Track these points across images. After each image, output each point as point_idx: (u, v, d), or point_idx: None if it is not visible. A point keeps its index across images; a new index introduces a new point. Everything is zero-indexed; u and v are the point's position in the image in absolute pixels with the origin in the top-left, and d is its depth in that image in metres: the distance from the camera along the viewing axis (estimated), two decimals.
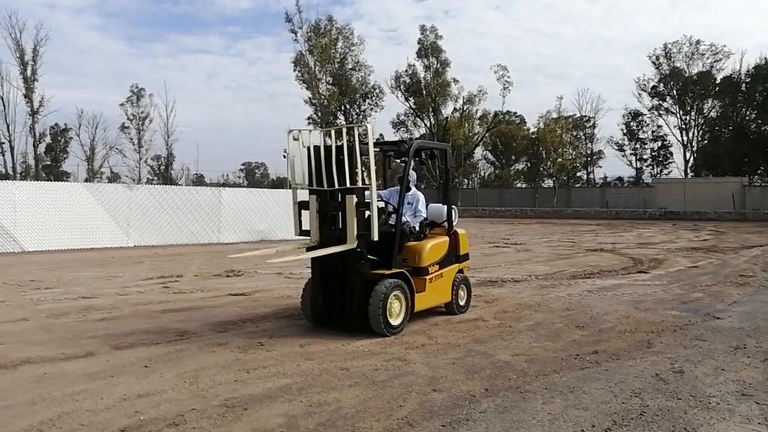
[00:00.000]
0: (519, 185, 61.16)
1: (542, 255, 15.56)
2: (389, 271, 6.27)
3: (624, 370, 4.95)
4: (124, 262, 13.24)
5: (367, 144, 6.20)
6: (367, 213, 6.13)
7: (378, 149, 7.67)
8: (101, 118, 61.95)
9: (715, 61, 53.46)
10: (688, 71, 54.31)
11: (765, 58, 50.73)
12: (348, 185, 6.05)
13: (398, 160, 7.18)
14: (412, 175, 7.35)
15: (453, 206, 7.61)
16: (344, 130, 6.37)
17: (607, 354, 5.46)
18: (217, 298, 8.55)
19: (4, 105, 46.86)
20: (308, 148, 6.40)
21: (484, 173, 68.74)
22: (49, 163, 67.68)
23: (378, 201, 7.20)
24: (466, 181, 62.85)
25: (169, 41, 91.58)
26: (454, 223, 7.53)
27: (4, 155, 48.72)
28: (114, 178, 62.44)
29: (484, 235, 23.49)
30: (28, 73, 47.33)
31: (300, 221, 6.71)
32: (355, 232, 6.03)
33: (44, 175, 59.02)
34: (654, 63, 55.94)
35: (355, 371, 4.87)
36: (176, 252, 15.95)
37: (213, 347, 5.65)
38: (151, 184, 49.19)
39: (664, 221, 35.67)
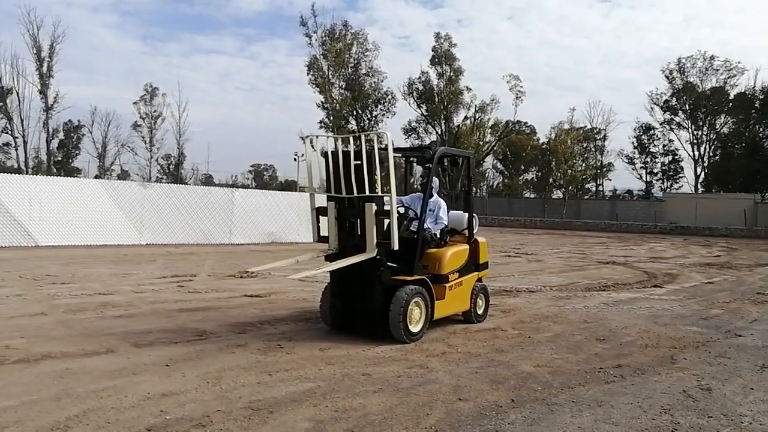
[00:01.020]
0: (527, 195, 60.98)
1: (554, 266, 15.47)
2: (410, 278, 6.23)
3: (650, 385, 4.88)
4: (137, 260, 13.25)
5: (386, 150, 6.18)
6: (387, 221, 6.09)
7: (401, 155, 7.66)
8: (114, 115, 62.59)
9: (729, 77, 53.33)
10: (701, 86, 54.13)
11: None
12: (367, 193, 6.01)
13: (421, 167, 7.14)
14: (435, 182, 7.32)
15: (474, 214, 7.57)
16: (363, 137, 6.30)
17: (631, 368, 5.39)
18: (232, 299, 8.53)
19: (19, 100, 47.22)
20: (326, 154, 6.34)
21: (493, 182, 68.61)
22: (60, 158, 68.14)
23: (399, 207, 7.17)
24: (475, 189, 62.70)
25: (183, 41, 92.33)
26: (474, 231, 7.49)
27: (17, 150, 49.02)
28: (124, 175, 62.78)
29: (495, 244, 23.38)
30: (44, 69, 47.68)
31: (318, 227, 6.66)
32: (375, 241, 5.98)
33: (55, 170, 59.35)
34: (667, 77, 55.86)
35: (378, 377, 4.82)
36: (188, 251, 15.96)
37: (232, 348, 5.62)
38: (160, 182, 49.32)
39: (675, 236, 35.46)
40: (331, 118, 49.53)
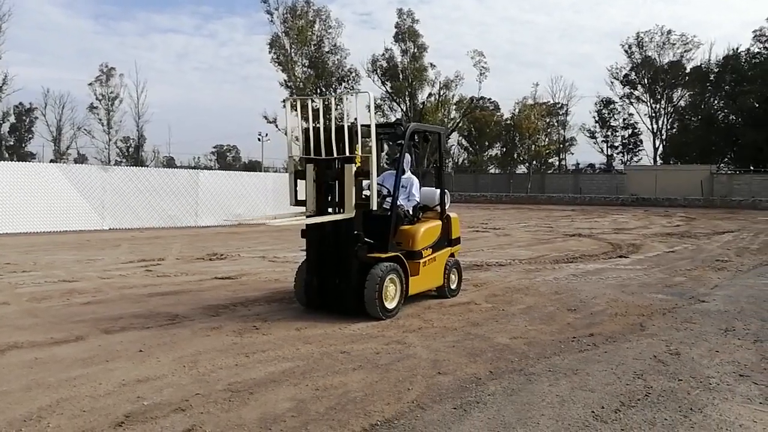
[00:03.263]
0: (493, 171, 61.57)
1: (522, 240, 15.70)
2: (385, 255, 6.22)
3: (622, 352, 5.01)
4: (101, 245, 12.91)
5: (366, 126, 6.13)
6: (366, 182, 6.07)
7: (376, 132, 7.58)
8: (68, 97, 60.46)
9: (685, 51, 54.53)
10: (659, 60, 55.21)
11: (733, 49, 52.00)
12: (347, 154, 5.96)
13: (394, 143, 7.09)
14: (407, 159, 7.30)
15: (445, 190, 7.58)
16: (344, 98, 6.29)
17: (603, 337, 5.52)
18: (203, 282, 8.40)
19: None
20: (308, 117, 6.29)
21: (459, 159, 69.02)
22: (12, 143, 65.65)
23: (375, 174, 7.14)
24: None
25: (138, 20, 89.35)
26: (446, 207, 7.51)
27: None
28: (81, 159, 60.97)
29: (463, 219, 23.37)
30: None
31: (296, 191, 6.58)
32: (353, 202, 5.96)
33: (8, 155, 57.20)
34: (626, 51, 56.78)
35: (357, 354, 4.82)
36: (154, 235, 15.64)
37: (207, 331, 5.54)
38: (120, 165, 48.01)
39: (636, 207, 36.41)
40: (295, 96, 48.83)
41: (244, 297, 7.29)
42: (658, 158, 56.19)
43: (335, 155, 6.08)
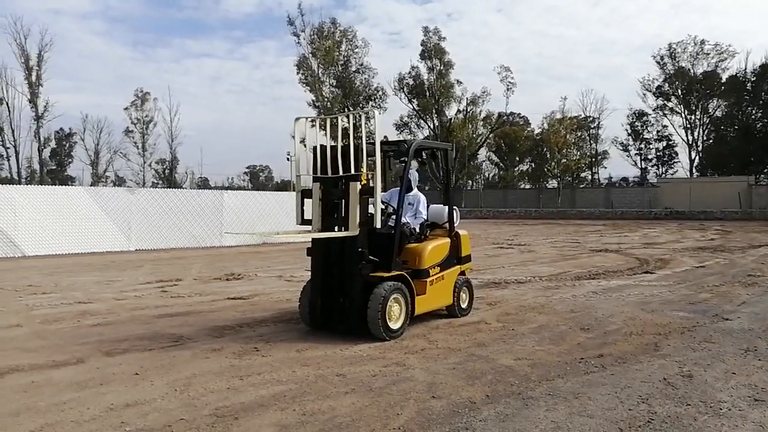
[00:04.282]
0: (523, 186, 60.89)
1: (546, 256, 15.37)
2: (388, 274, 6.12)
3: (630, 374, 4.77)
4: (124, 266, 13.13)
5: (372, 144, 6.10)
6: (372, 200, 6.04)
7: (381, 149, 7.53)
8: (105, 122, 62.47)
9: (720, 61, 53.20)
10: (693, 71, 54.01)
11: None
12: (353, 172, 5.95)
13: (398, 161, 7.02)
14: (414, 176, 7.22)
15: (454, 207, 7.45)
16: (351, 116, 6.31)
17: (612, 357, 5.29)
18: (215, 302, 8.41)
19: (9, 110, 47.14)
20: (315, 136, 6.34)
21: (489, 174, 68.54)
22: (54, 167, 67.89)
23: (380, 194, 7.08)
24: (470, 182, 62.64)
25: (173, 46, 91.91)
26: (455, 224, 7.38)
27: (9, 160, 48.94)
28: (119, 182, 62.58)
29: (488, 236, 23.30)
30: (33, 78, 47.56)
31: (302, 210, 6.59)
32: (358, 220, 5.92)
33: (49, 179, 59.15)
34: (658, 63, 55.72)
35: (352, 377, 4.71)
36: (177, 256, 15.84)
37: (207, 353, 5.51)
38: (156, 187, 49.13)
39: (670, 221, 35.39)
40: (301, 116, 49.30)
41: (252, 317, 7.26)
42: (694, 170, 54.72)
43: (341, 173, 6.06)
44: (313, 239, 6.19)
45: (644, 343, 5.87)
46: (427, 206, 7.45)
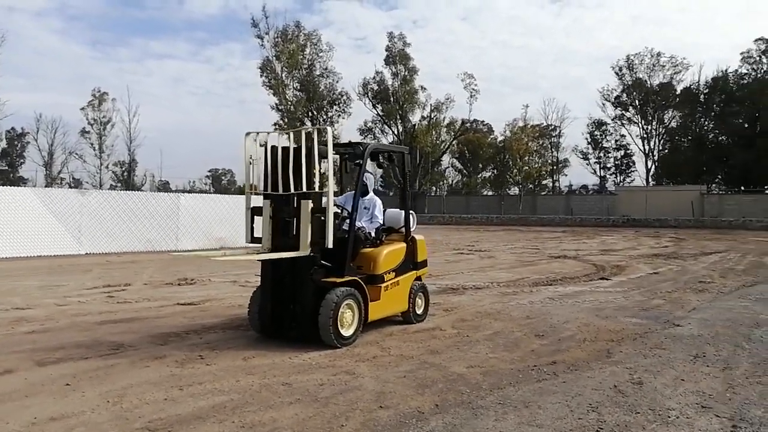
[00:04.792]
0: (486, 193, 61.53)
1: (506, 262, 15.44)
2: (341, 279, 5.96)
3: (582, 382, 4.72)
4: (71, 270, 12.59)
5: (326, 145, 5.94)
6: (322, 218, 5.83)
7: (334, 152, 7.38)
8: (61, 122, 60.26)
9: (675, 73, 54.97)
10: (649, 82, 55.62)
11: (722, 71, 52.40)
12: (305, 189, 5.75)
13: (353, 164, 6.88)
14: (370, 179, 7.09)
15: (411, 211, 7.35)
16: (303, 133, 6.04)
17: (565, 365, 5.24)
18: (163, 308, 8.09)
19: None
20: (265, 151, 6.09)
21: (452, 181, 69.04)
22: (5, 168, 65.48)
23: (334, 207, 6.92)
24: (434, 188, 62.95)
25: (134, 46, 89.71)
26: (411, 229, 7.27)
27: None
28: (76, 184, 60.66)
29: (450, 241, 23.35)
30: None
31: (252, 228, 6.34)
32: (309, 239, 5.72)
33: (0, 181, 56.95)
34: (617, 74, 57.19)
35: (299, 387, 4.53)
36: (130, 259, 15.32)
37: (148, 361, 5.24)
38: (115, 190, 47.73)
39: (627, 228, 36.22)
40: (286, 120, 48.92)
41: (201, 324, 6.99)
42: (650, 179, 56.30)
43: (292, 190, 5.85)
44: (263, 249, 5.99)
45: (597, 349, 5.85)
46: (384, 211, 7.34)
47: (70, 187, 55.56)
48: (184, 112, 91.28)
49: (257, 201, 6.27)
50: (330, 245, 5.76)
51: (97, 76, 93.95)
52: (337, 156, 7.35)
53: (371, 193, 7.02)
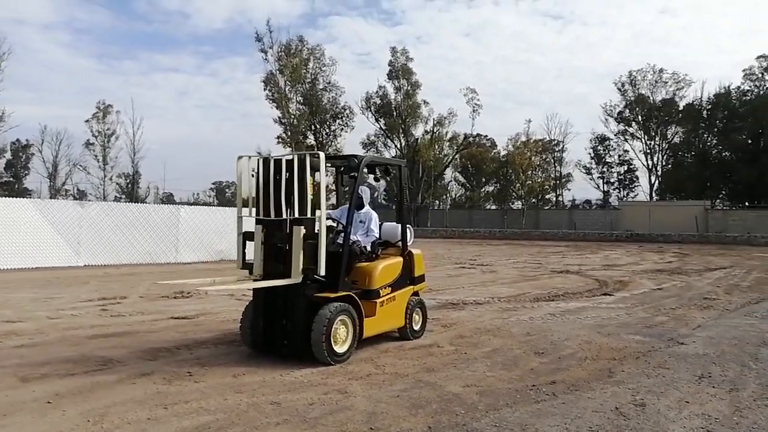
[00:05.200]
0: (489, 207, 61.35)
1: (507, 276, 15.25)
2: (335, 294, 5.81)
3: (582, 403, 4.55)
4: (68, 283, 12.46)
5: (318, 158, 5.83)
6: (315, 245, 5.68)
7: (329, 164, 7.28)
8: (65, 134, 60.38)
9: (677, 89, 54.97)
10: (652, 98, 55.62)
11: (725, 87, 52.39)
12: (297, 215, 5.61)
13: (348, 176, 6.75)
14: (365, 192, 6.97)
15: (408, 225, 7.21)
16: (295, 158, 5.87)
17: (565, 384, 5.06)
18: (157, 322, 7.94)
19: None
20: (257, 175, 5.96)
21: (456, 195, 68.89)
22: (9, 179, 65.65)
23: (328, 220, 6.79)
24: (437, 202, 62.82)
25: (140, 59, 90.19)
26: (409, 243, 7.13)
27: None
28: (80, 195, 60.73)
29: (451, 255, 23.17)
30: None
31: (244, 253, 6.19)
32: (301, 266, 5.57)
33: (5, 192, 57.08)
34: (620, 89, 57.22)
35: (287, 406, 4.37)
36: (129, 272, 15.18)
37: (135, 378, 5.08)
38: (119, 202, 47.81)
39: (630, 243, 35.94)
40: (289, 133, 49.03)
41: (193, 339, 6.84)
42: (653, 194, 56.05)
43: (284, 216, 5.72)
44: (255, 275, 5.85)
45: (598, 368, 5.67)
46: (380, 224, 7.21)
47: (75, 198, 55.65)
48: (188, 125, 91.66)
49: (249, 225, 6.12)
50: (322, 272, 5.61)
51: (103, 88, 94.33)
52: (333, 168, 7.25)
53: (367, 207, 6.89)
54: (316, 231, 5.74)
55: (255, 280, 5.88)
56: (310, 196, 5.68)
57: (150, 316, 8.46)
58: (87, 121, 58.30)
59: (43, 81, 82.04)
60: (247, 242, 6.11)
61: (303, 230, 5.62)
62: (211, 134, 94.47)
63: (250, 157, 6.12)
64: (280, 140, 50.06)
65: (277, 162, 5.87)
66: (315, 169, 5.94)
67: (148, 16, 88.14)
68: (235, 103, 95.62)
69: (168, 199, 66.95)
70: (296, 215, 5.66)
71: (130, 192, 60.24)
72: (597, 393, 4.82)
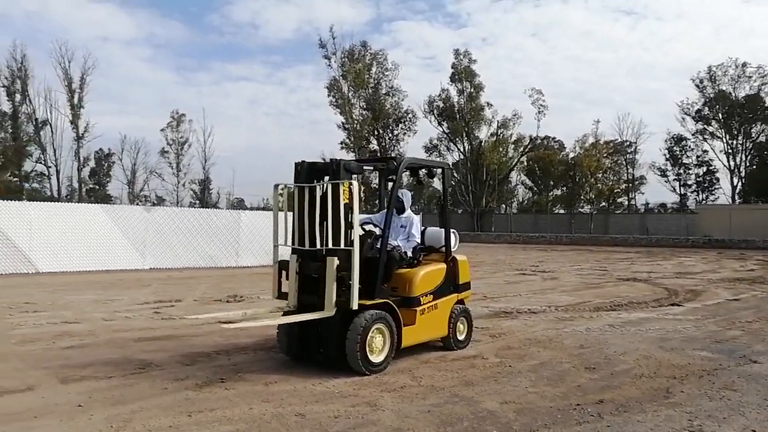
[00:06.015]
0: (557, 211, 59.46)
1: (569, 284, 14.58)
2: (372, 302, 5.62)
3: (630, 427, 4.14)
4: (130, 285, 12.93)
5: (357, 162, 5.67)
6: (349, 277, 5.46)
7: (371, 167, 7.10)
8: (143, 142, 63.37)
9: (762, 84, 51.18)
10: (734, 94, 52.19)
11: None
12: (330, 245, 5.44)
13: (387, 179, 6.56)
14: (407, 196, 6.75)
15: (452, 230, 6.93)
16: (329, 187, 5.65)
17: (613, 404, 4.65)
18: (203, 326, 8.02)
19: (52, 131, 48.63)
20: (293, 203, 5.84)
21: (523, 199, 67.25)
22: (93, 186, 69.71)
23: (368, 225, 6.64)
24: (503, 206, 61.53)
25: (213, 70, 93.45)
26: (453, 249, 6.85)
27: (50, 179, 50.55)
28: (159, 201, 63.65)
29: (513, 261, 22.52)
30: (75, 100, 48.97)
31: (279, 283, 6.07)
32: (334, 299, 5.38)
33: (91, 198, 60.58)
34: (698, 86, 53.96)
35: (312, 418, 4.22)
36: (190, 275, 15.62)
37: (168, 383, 5.09)
38: (194, 207, 49.79)
39: (708, 249, 33.79)
40: (352, 138, 49.44)
41: (235, 344, 6.85)
42: (736, 197, 52.56)
43: (318, 246, 5.54)
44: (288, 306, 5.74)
45: (654, 387, 5.20)
46: (423, 229, 6.98)
47: (153, 204, 58.35)
48: (258, 132, 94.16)
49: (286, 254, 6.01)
50: (355, 307, 5.38)
51: (180, 100, 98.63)
52: (374, 171, 7.05)
53: (408, 210, 6.67)
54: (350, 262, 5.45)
55: (288, 312, 5.77)
56: (344, 202, 5.48)
57: (198, 319, 8.56)
58: (162, 130, 61.09)
59: (123, 93, 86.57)
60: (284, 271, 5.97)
61: (336, 261, 5.42)
62: (279, 141, 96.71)
63: (286, 185, 6.02)
64: (343, 145, 50.57)
65: (312, 190, 5.70)
66: (354, 172, 5.75)
67: (221, 28, 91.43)
68: (303, 110, 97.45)
69: (239, 204, 69.05)
70: (330, 245, 5.47)
71: (203, 197, 62.57)
72: (648, 416, 4.39)
